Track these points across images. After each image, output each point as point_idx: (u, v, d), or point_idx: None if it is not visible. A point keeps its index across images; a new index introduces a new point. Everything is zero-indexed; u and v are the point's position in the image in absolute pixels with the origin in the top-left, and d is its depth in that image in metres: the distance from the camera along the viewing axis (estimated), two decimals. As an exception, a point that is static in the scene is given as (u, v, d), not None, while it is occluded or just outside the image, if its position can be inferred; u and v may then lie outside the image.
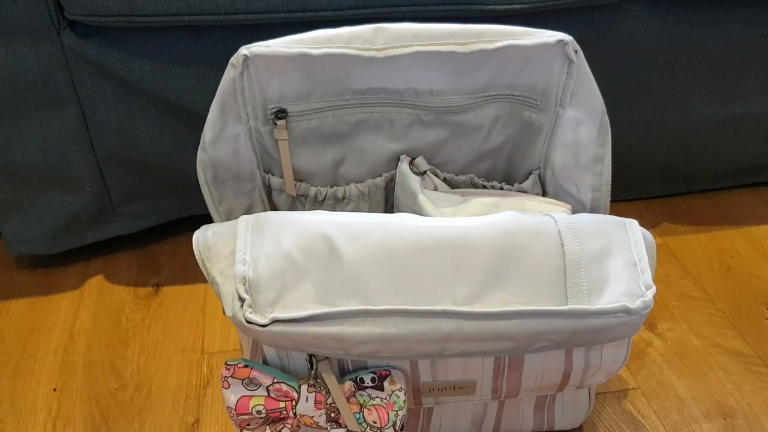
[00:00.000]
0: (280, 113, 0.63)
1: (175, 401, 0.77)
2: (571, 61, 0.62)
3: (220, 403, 0.76)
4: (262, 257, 0.54)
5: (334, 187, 0.69)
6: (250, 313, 0.52)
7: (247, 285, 0.53)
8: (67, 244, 0.94)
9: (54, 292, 0.93)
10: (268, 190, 0.69)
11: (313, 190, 0.69)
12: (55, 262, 0.98)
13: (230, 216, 0.67)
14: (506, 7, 0.80)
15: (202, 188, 0.65)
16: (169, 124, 0.88)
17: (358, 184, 0.69)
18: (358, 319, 0.52)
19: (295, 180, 0.68)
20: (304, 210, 0.70)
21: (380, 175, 0.70)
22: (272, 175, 0.68)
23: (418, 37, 0.61)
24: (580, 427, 0.72)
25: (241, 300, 0.52)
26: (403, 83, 0.64)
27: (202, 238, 0.58)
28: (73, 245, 0.95)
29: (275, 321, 0.52)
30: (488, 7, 0.80)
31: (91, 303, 0.91)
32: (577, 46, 0.61)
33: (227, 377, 0.57)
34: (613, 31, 0.89)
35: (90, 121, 0.86)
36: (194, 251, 0.57)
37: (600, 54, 0.90)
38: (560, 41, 0.61)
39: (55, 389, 0.79)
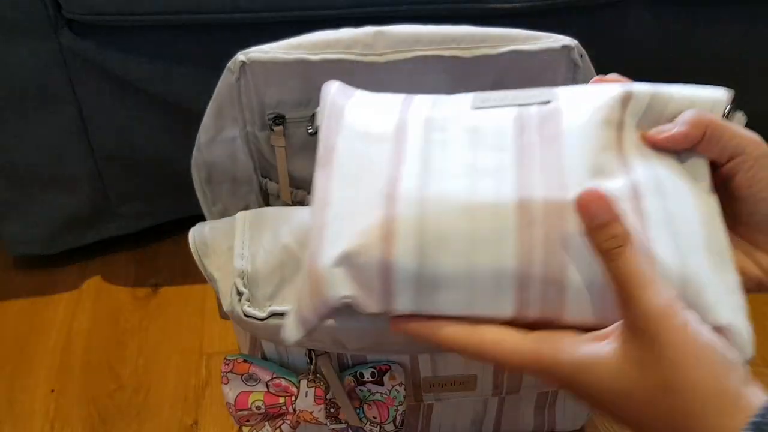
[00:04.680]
0: (278, 119, 0.62)
1: (173, 403, 0.76)
2: (576, 65, 0.61)
3: (219, 405, 0.76)
4: (261, 251, 0.54)
5: None
6: (249, 306, 0.52)
7: (245, 279, 0.53)
8: (65, 244, 0.94)
9: (52, 292, 0.93)
10: (265, 194, 0.68)
11: (310, 198, 0.68)
12: (53, 263, 0.97)
13: (225, 217, 0.66)
14: (507, 5, 0.80)
15: (196, 188, 0.64)
16: (168, 124, 0.87)
17: None
18: None
19: (291, 187, 0.67)
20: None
21: None
22: (270, 180, 0.66)
23: (420, 41, 0.60)
24: (581, 429, 0.72)
25: (239, 294, 0.52)
26: (404, 88, 0.63)
27: (198, 234, 0.57)
28: (71, 245, 0.95)
29: (273, 314, 0.51)
30: (489, 6, 0.80)
31: (89, 303, 0.91)
32: (582, 50, 0.61)
33: (226, 372, 0.57)
34: (613, 31, 0.89)
35: (88, 121, 0.86)
36: (190, 248, 0.56)
37: (600, 54, 0.90)
38: (565, 46, 0.60)
39: (52, 390, 0.78)
